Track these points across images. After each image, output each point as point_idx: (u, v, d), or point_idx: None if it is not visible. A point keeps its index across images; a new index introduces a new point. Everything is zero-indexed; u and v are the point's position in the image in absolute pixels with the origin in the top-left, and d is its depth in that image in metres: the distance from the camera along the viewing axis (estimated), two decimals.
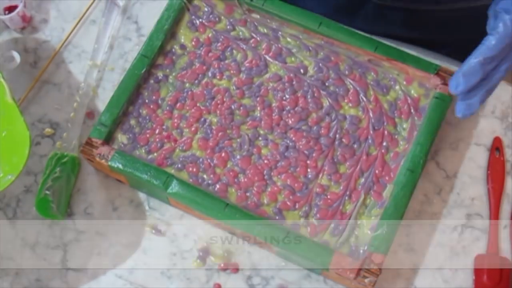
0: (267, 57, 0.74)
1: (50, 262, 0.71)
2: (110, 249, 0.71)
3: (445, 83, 0.70)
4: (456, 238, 0.71)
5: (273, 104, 0.72)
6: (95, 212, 0.73)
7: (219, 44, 0.75)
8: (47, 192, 0.69)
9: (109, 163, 0.68)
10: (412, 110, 0.71)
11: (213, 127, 0.71)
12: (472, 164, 0.73)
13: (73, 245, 0.72)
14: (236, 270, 0.70)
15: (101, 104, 0.77)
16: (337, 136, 0.70)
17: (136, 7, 0.82)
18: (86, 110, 0.76)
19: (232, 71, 0.73)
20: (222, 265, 0.70)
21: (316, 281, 0.69)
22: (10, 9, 0.79)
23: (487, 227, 0.71)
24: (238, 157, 0.70)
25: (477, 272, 0.69)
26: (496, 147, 0.73)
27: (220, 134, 0.71)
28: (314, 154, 0.70)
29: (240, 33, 0.75)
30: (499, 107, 0.75)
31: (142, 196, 0.73)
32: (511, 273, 0.69)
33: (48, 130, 0.76)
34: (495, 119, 0.75)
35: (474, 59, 0.59)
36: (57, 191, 0.70)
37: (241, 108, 0.72)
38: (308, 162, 0.69)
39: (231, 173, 0.69)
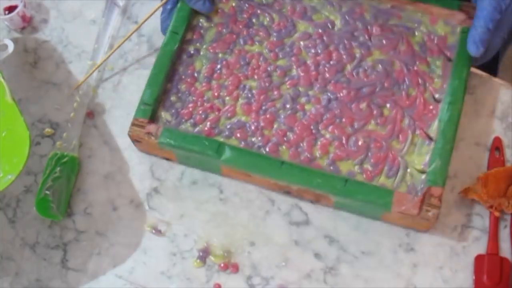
0: (293, 17, 0.75)
1: (50, 262, 0.71)
2: (110, 249, 0.71)
3: (470, 17, 0.72)
4: (456, 238, 0.71)
5: (308, 61, 0.73)
6: (95, 212, 0.73)
7: (244, 12, 0.76)
8: (47, 192, 0.69)
9: (159, 140, 0.69)
10: (441, 48, 0.72)
11: (254, 91, 0.72)
12: (472, 164, 0.73)
13: (73, 245, 0.72)
14: (236, 270, 0.70)
15: (101, 104, 0.77)
16: (376, 81, 0.72)
17: (136, 7, 0.82)
18: (86, 110, 0.76)
19: (262, 36, 0.74)
20: (222, 265, 0.70)
21: (316, 281, 0.69)
22: (10, 9, 0.79)
23: (487, 227, 0.71)
24: (283, 116, 0.71)
25: (477, 272, 0.69)
26: (496, 147, 0.73)
27: (262, 97, 0.72)
28: (356, 103, 0.71)
29: None
30: (499, 107, 0.75)
31: (142, 196, 0.73)
32: (511, 273, 0.69)
33: (48, 130, 0.76)
34: (495, 119, 0.75)
35: (481, 28, 0.67)
36: (57, 191, 0.70)
37: (278, 69, 0.73)
38: (353, 111, 0.70)
39: (279, 132, 0.70)
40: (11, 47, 0.77)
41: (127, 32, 0.80)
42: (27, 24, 0.81)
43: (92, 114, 0.77)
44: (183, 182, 0.73)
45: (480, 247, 0.70)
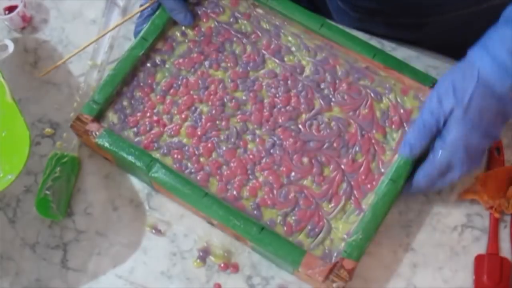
0: (265, 53, 0.74)
1: (50, 262, 0.71)
2: (110, 249, 0.71)
3: None
4: (456, 238, 0.71)
5: (265, 100, 0.72)
6: (95, 212, 0.73)
7: (219, 35, 0.75)
8: (47, 192, 0.69)
9: (97, 140, 0.69)
10: (403, 121, 0.71)
11: (203, 116, 0.71)
12: None
13: (73, 245, 0.72)
14: (236, 270, 0.70)
15: None
16: (325, 138, 0.70)
17: (136, 7, 0.82)
18: None
19: (229, 63, 0.74)
20: (222, 265, 0.70)
21: None
22: (10, 9, 0.79)
23: (487, 227, 0.71)
24: (223, 148, 0.70)
25: (477, 272, 0.69)
26: (496, 147, 0.73)
27: (209, 124, 0.71)
28: (299, 154, 0.70)
29: (243, 26, 0.75)
30: None
31: (142, 196, 0.73)
32: (511, 273, 0.69)
33: (48, 130, 0.76)
34: None
35: (422, 179, 0.67)
36: (57, 191, 0.70)
37: (233, 100, 0.72)
38: (293, 162, 0.69)
39: (214, 163, 0.69)
40: (11, 47, 0.78)
41: (127, 32, 0.80)
42: (27, 24, 0.81)
43: None
44: None
45: (480, 247, 0.70)
